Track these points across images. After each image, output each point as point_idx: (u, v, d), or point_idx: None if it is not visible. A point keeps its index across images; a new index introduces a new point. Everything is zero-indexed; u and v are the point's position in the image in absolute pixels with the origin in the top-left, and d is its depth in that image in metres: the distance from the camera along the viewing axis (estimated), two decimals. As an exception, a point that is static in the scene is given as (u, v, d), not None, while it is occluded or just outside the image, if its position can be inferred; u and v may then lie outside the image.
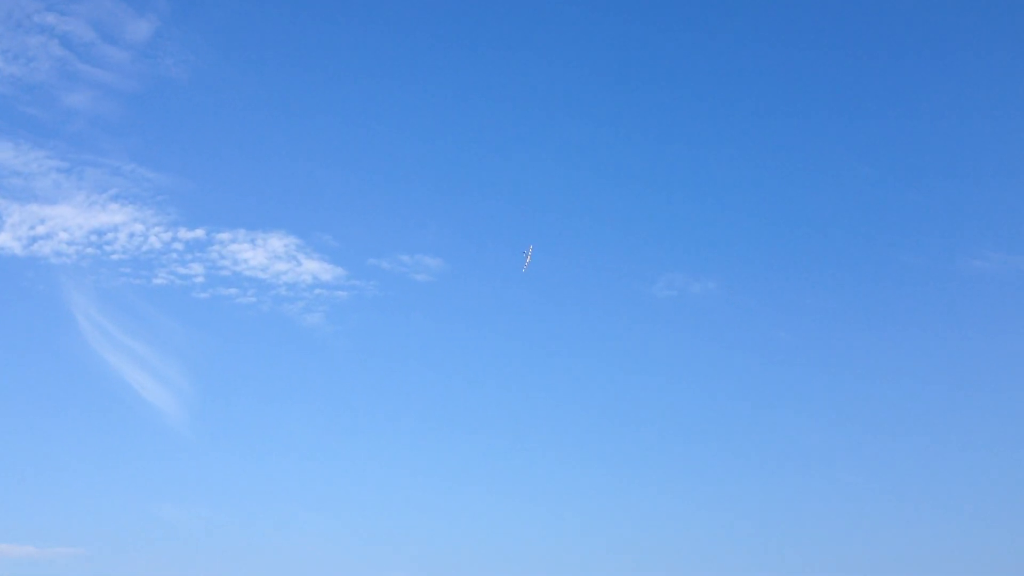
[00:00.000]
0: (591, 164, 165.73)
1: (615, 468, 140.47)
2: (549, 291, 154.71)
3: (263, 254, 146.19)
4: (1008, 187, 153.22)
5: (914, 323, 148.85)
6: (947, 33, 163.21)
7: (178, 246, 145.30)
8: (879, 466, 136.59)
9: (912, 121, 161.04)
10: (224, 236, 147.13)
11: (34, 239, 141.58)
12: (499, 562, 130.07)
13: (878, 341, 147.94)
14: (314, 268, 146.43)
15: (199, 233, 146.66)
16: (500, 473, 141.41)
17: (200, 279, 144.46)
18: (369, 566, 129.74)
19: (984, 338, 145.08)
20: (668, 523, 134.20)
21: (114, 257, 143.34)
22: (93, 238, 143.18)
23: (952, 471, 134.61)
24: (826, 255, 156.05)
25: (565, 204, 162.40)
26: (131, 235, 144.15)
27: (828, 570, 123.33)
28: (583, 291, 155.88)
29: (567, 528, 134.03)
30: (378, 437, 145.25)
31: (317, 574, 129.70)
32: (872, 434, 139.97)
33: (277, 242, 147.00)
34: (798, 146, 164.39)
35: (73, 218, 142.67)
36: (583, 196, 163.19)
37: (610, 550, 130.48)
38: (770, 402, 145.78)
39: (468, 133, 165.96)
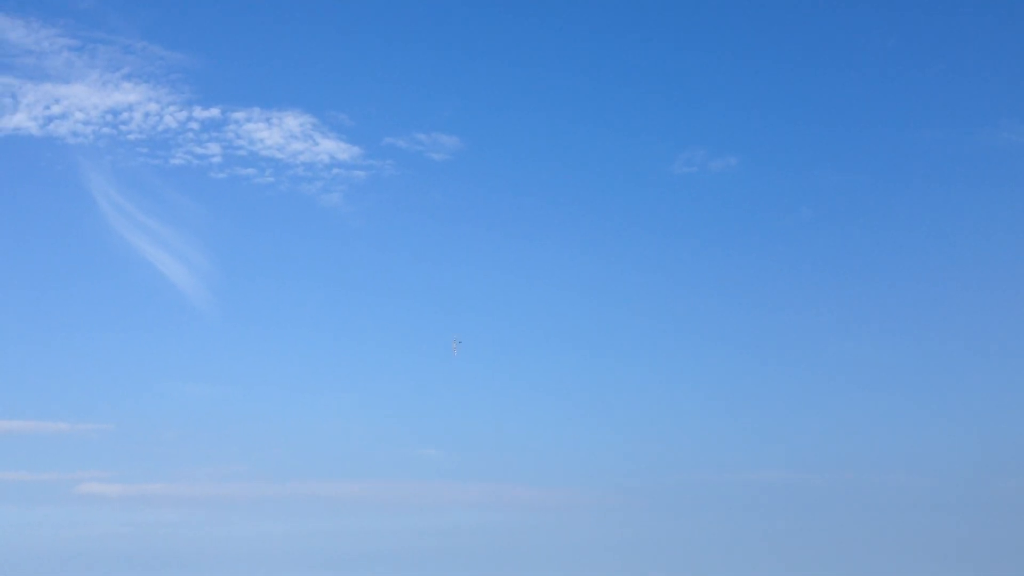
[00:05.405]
0: (612, 38, 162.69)
1: (636, 341, 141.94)
2: (566, 168, 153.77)
3: (279, 133, 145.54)
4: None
5: (936, 197, 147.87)
6: None
7: (194, 125, 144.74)
8: (898, 337, 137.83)
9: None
10: (239, 115, 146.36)
11: (50, 119, 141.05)
12: (517, 436, 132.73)
13: (901, 215, 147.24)
14: (331, 147, 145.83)
15: (214, 112, 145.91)
16: (516, 349, 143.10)
17: (217, 159, 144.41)
18: (389, 442, 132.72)
19: (1007, 208, 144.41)
20: (684, 392, 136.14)
21: (131, 137, 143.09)
22: (108, 118, 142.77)
23: (973, 348, 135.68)
24: (848, 129, 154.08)
25: (584, 81, 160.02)
26: (146, 114, 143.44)
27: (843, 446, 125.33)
28: (603, 167, 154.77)
29: (578, 400, 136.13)
30: (395, 315, 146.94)
31: (337, 446, 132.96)
32: (894, 311, 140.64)
33: (293, 121, 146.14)
34: (819, 21, 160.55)
35: (87, 97, 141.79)
36: (603, 72, 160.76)
37: (615, 426, 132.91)
38: (791, 276, 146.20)
39: (485, 9, 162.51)
